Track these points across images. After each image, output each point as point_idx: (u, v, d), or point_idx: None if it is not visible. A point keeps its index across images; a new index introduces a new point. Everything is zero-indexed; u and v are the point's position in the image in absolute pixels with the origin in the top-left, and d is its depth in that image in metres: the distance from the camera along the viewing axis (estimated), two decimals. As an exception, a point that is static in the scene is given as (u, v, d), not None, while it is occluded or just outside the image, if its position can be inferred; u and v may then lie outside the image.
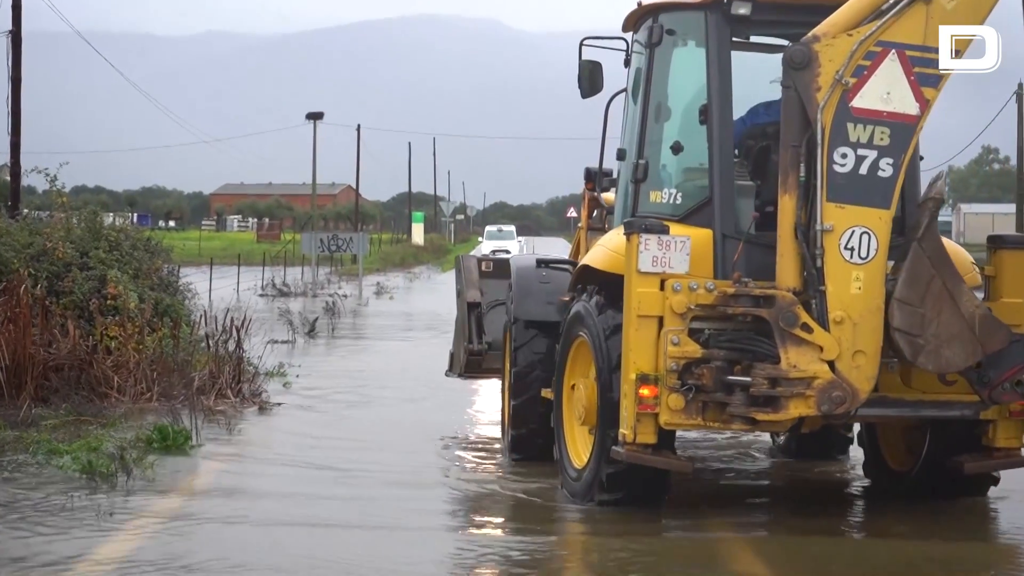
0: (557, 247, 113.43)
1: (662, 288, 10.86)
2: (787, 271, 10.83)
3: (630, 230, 11.02)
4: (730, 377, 10.76)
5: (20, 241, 19.42)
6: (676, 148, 12.19)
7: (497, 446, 15.88)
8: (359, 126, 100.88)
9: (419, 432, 16.97)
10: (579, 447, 12.85)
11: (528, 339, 14.07)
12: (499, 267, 16.38)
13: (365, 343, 30.96)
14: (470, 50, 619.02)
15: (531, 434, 14.12)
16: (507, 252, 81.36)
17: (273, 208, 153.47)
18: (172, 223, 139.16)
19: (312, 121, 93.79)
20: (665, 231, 10.99)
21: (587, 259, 12.41)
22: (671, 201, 12.03)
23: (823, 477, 14.51)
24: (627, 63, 13.22)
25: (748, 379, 10.67)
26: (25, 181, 30.88)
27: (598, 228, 14.83)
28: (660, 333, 10.83)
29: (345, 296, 43.98)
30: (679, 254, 10.92)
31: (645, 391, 10.77)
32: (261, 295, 45.98)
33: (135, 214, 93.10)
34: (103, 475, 12.92)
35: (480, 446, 16.13)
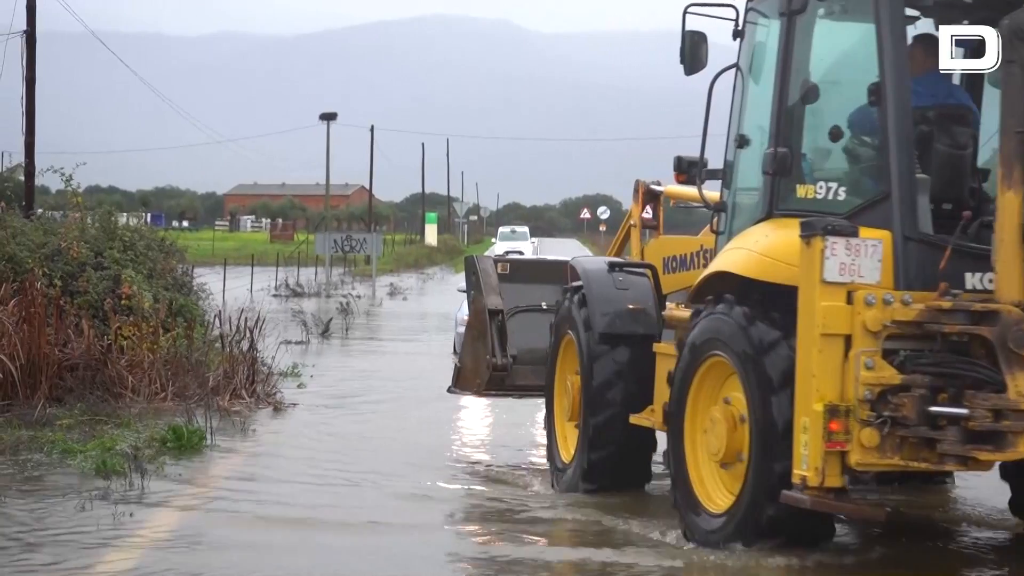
0: (571, 248, 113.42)
1: (849, 301, 9.19)
2: (1011, 282, 9.10)
3: (811, 231, 9.29)
4: (937, 408, 9.03)
5: (35, 241, 19.45)
6: (835, 134, 10.43)
7: (518, 464, 15.82)
8: (372, 127, 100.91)
9: (431, 439, 16.95)
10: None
11: (606, 352, 12.41)
12: (516, 269, 15.25)
13: (379, 344, 30.96)
14: (482, 50, 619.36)
15: (611, 461, 12.39)
16: (520, 253, 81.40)
17: (286, 208, 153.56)
18: (186, 223, 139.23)
19: (325, 122, 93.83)
20: (854, 233, 9.29)
21: (726, 264, 10.49)
22: (830, 196, 10.23)
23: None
24: (738, 34, 11.34)
25: (963, 410, 8.94)
26: (39, 181, 30.93)
27: (652, 226, 14.05)
28: (848, 355, 9.16)
29: (359, 297, 44.00)
30: (870, 260, 9.27)
31: (834, 425, 9.07)
32: (275, 295, 46.02)
33: (149, 214, 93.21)
34: (118, 475, 12.92)
35: (512, 459, 16.11)
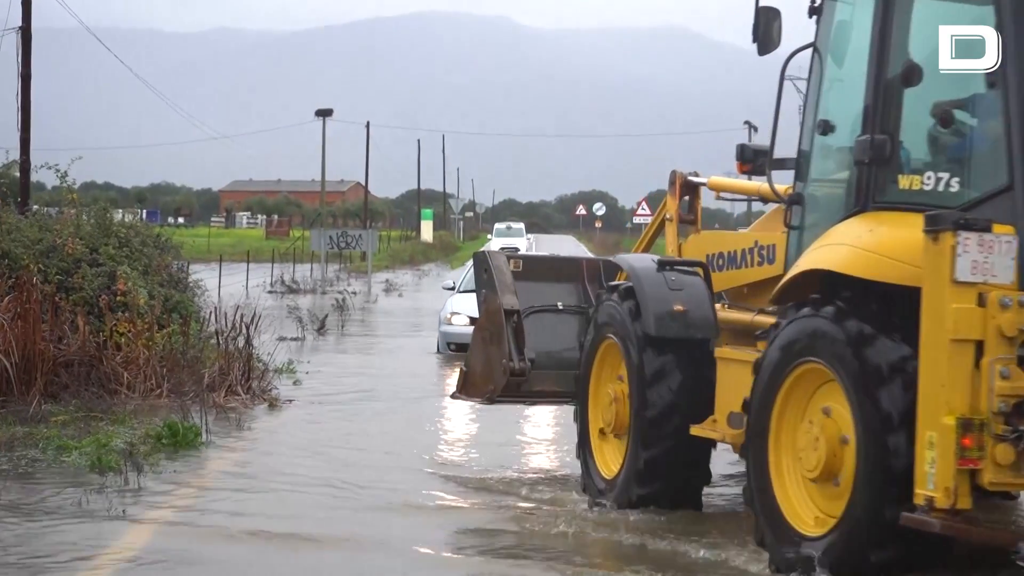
0: (567, 244, 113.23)
1: (981, 303, 8.28)
2: None
3: (939, 226, 8.34)
4: None
5: (30, 237, 19.44)
6: (945, 120, 9.35)
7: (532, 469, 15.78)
8: (368, 123, 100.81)
9: (425, 439, 16.95)
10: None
11: (661, 357, 11.28)
12: (529, 266, 14.07)
13: (374, 340, 30.95)
14: (480, 47, 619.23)
15: (666, 466, 11.27)
16: (516, 249, 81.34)
17: (282, 205, 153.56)
18: (181, 220, 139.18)
19: (321, 118, 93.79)
20: (987, 228, 8.36)
21: (824, 262, 9.44)
22: (940, 188, 9.22)
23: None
24: (815, 11, 10.38)
25: None
26: (35, 177, 30.85)
27: (689, 220, 13.17)
28: (980, 364, 8.27)
29: (354, 293, 43.96)
30: (1004, 258, 8.35)
31: (968, 441, 8.15)
32: (270, 292, 46.00)
33: (144, 210, 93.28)
34: (113, 471, 12.92)
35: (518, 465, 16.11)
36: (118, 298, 18.60)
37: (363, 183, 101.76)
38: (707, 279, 11.63)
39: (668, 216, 13.36)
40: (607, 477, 11.89)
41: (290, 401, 18.79)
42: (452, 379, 21.55)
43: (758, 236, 11.64)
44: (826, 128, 10.07)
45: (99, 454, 13.49)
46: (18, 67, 30.58)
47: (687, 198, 13.24)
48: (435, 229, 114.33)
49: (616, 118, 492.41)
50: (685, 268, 11.70)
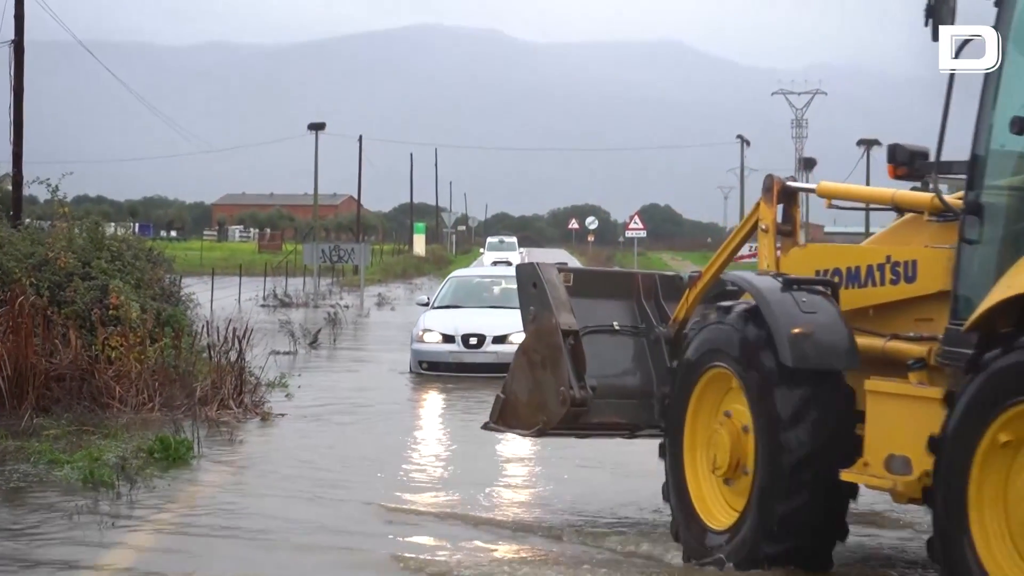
0: (559, 258, 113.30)
1: None
2: None
3: None
4: None
5: (22, 251, 19.43)
6: None
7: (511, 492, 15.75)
8: (361, 137, 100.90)
9: (416, 456, 16.92)
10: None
11: (795, 389, 9.60)
12: (580, 280, 12.27)
13: (367, 354, 30.94)
14: (471, 60, 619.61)
15: (804, 515, 9.56)
16: (508, 263, 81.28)
17: (275, 218, 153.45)
18: (174, 233, 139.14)
19: (314, 132, 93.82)
20: None
21: None
22: None
23: None
24: None
25: None
26: (27, 191, 30.84)
27: (785, 232, 11.53)
28: None
29: (346, 307, 44.02)
30: None
31: None
32: (263, 305, 45.98)
33: (137, 224, 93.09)
34: (105, 485, 12.90)
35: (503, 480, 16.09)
36: (110, 312, 18.59)
37: (356, 197, 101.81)
38: (836, 299, 10.09)
39: (763, 226, 11.45)
40: (717, 529, 10.18)
41: (282, 415, 18.76)
42: (442, 396, 21.76)
43: (890, 250, 10.20)
44: (1020, 126, 8.57)
45: (91, 468, 13.47)
46: (11, 80, 30.60)
47: (782, 206, 11.67)
48: (428, 243, 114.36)
49: (608, 131, 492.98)
50: (814, 287, 10.11)
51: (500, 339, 24.60)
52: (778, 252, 11.36)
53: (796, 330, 9.52)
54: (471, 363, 24.86)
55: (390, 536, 11.58)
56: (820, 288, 10.06)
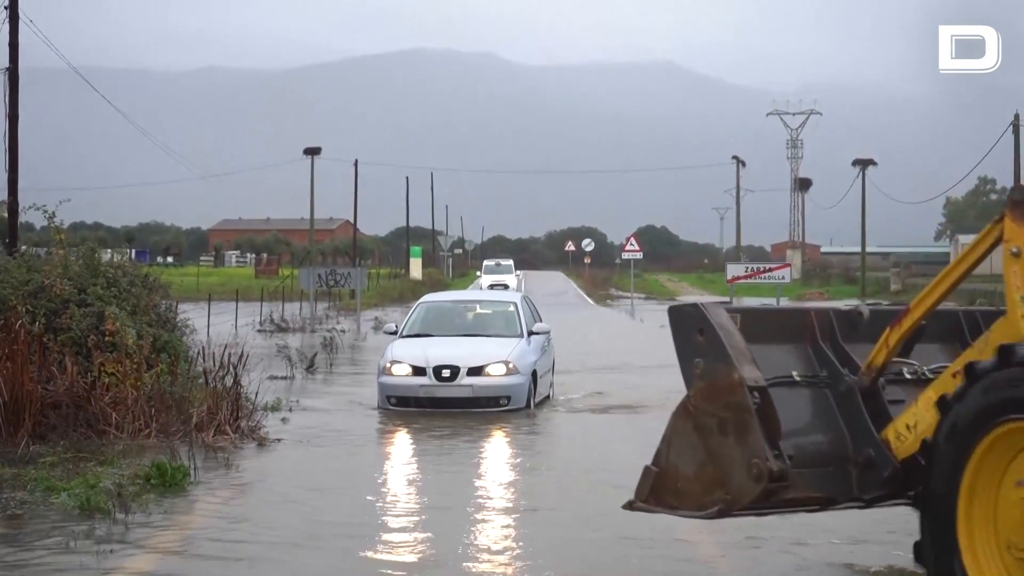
0: (556, 281, 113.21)
1: None
2: None
3: None
4: None
5: (18, 278, 19.43)
6: None
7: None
8: (356, 161, 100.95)
9: (407, 487, 16.89)
10: None
11: None
12: (748, 322, 9.60)
13: (364, 378, 30.82)
14: (465, 83, 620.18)
15: None
16: (505, 286, 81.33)
17: (271, 243, 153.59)
18: (170, 259, 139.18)
19: (310, 156, 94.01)
20: None
21: None
22: None
23: None
24: None
25: None
26: (23, 218, 30.85)
27: None
28: None
29: (343, 331, 43.98)
30: None
31: None
32: (259, 331, 45.95)
33: (133, 250, 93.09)
34: (101, 512, 12.88)
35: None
36: (106, 338, 18.60)
37: (352, 221, 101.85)
38: None
39: (1014, 249, 8.84)
40: None
41: (279, 440, 18.75)
42: (446, 423, 21.66)
43: None
44: None
45: (87, 495, 13.46)
46: (6, 108, 30.63)
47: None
48: (424, 266, 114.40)
49: (604, 153, 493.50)
50: None
51: (476, 371, 22.59)
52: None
53: None
54: (444, 398, 22.50)
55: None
56: None
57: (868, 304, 10.30)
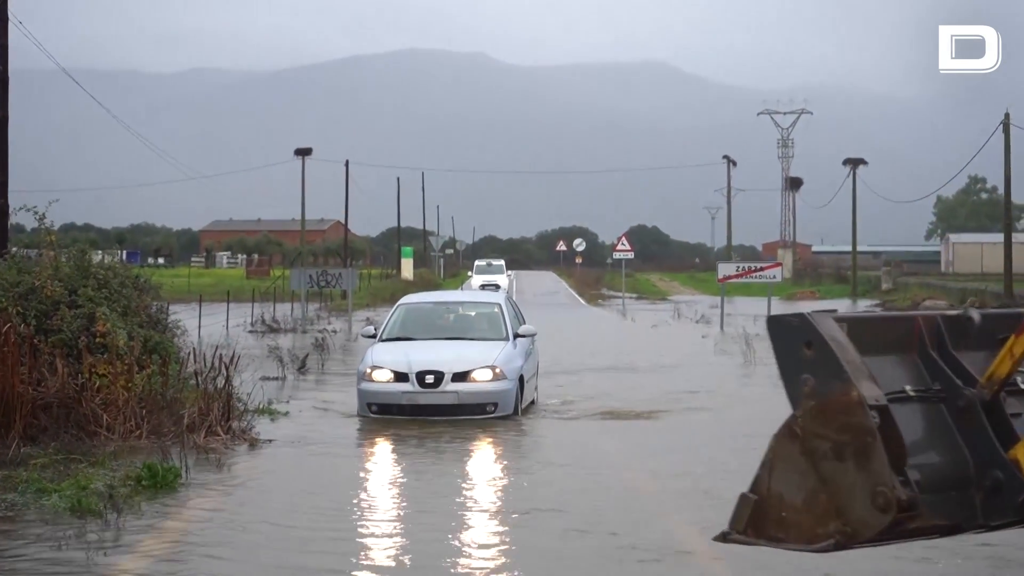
0: (547, 281, 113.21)
1: None
2: None
3: None
4: None
5: (8, 280, 19.40)
6: None
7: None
8: (347, 161, 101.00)
9: (402, 492, 16.87)
10: None
11: None
12: (854, 330, 8.40)
13: (355, 379, 30.83)
14: (457, 84, 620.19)
15: None
16: (496, 286, 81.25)
17: (262, 244, 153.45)
18: (161, 260, 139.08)
19: (300, 157, 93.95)
20: None
21: None
22: None
23: None
24: None
25: None
26: (13, 219, 30.77)
27: None
28: None
29: (335, 332, 43.96)
30: None
31: None
32: (251, 331, 45.91)
33: (124, 251, 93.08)
34: (93, 514, 12.86)
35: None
36: (97, 340, 18.57)
37: (343, 221, 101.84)
38: None
39: None
40: None
41: (271, 441, 18.73)
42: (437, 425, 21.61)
43: None
44: None
45: (79, 497, 13.45)
46: (-5, 109, 30.53)
47: None
48: (415, 267, 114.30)
49: (595, 153, 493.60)
50: None
51: (461, 376, 21.59)
52: None
53: None
54: (428, 405, 21.48)
55: None
56: None
57: (977, 309, 9.01)
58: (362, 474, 16.86)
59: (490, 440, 19.63)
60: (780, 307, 65.51)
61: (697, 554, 11.77)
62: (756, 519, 8.28)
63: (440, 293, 36.20)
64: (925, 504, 7.89)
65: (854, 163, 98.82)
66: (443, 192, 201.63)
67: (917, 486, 7.79)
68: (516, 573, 11.13)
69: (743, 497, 8.26)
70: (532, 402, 23.78)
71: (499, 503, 14.65)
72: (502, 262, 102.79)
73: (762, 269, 54.52)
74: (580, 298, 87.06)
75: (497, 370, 21.75)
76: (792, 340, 8.24)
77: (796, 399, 8.10)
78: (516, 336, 23.49)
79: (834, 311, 8.65)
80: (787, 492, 8.19)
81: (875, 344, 8.53)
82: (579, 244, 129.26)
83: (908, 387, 8.39)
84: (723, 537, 8.32)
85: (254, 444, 18.33)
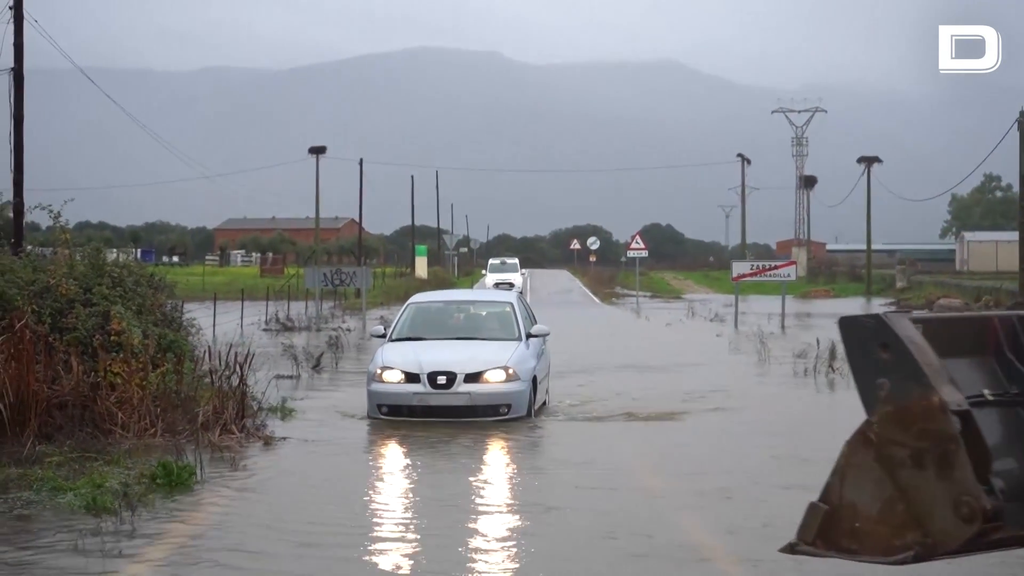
0: (561, 279, 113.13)
1: None
2: None
3: None
4: None
5: (23, 278, 19.44)
6: None
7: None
8: (362, 160, 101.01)
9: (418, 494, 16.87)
10: None
11: None
12: (930, 332, 7.72)
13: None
14: (470, 82, 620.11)
15: None
16: (510, 285, 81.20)
17: (276, 243, 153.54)
18: (176, 258, 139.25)
19: (315, 155, 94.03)
20: None
21: None
22: None
23: None
24: None
25: None
26: (28, 218, 30.89)
27: None
28: None
29: (349, 330, 44.02)
30: None
31: None
32: (265, 330, 45.98)
33: (139, 250, 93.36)
34: (108, 512, 12.88)
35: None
36: (112, 338, 18.60)
37: (357, 220, 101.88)
38: None
39: None
40: None
41: (285, 439, 18.74)
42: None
43: None
44: None
45: (94, 495, 13.47)
46: (11, 109, 30.65)
47: None
48: (429, 265, 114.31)
49: (608, 152, 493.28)
50: None
51: (473, 377, 21.14)
52: None
53: None
54: (440, 406, 21.04)
55: None
56: None
57: None
58: (376, 474, 16.86)
59: (504, 440, 19.47)
60: (795, 305, 65.42)
61: (716, 558, 11.72)
62: (827, 530, 7.71)
63: (450, 292, 35.33)
64: (1009, 513, 7.32)
65: (868, 161, 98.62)
66: (457, 190, 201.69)
67: (1002, 495, 7.25)
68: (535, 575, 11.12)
69: (812, 506, 7.67)
70: (544, 404, 23.32)
71: (514, 503, 14.60)
72: (516, 261, 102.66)
73: (776, 268, 54.46)
74: (594, 297, 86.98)
75: (510, 371, 21.33)
76: (866, 342, 7.64)
77: (871, 404, 7.53)
78: (529, 336, 23.08)
79: (909, 311, 8.18)
80: (860, 502, 7.62)
81: (951, 345, 7.94)
82: (593, 243, 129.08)
83: (986, 391, 7.79)
84: (790, 548, 7.61)
85: (268, 442, 18.34)
